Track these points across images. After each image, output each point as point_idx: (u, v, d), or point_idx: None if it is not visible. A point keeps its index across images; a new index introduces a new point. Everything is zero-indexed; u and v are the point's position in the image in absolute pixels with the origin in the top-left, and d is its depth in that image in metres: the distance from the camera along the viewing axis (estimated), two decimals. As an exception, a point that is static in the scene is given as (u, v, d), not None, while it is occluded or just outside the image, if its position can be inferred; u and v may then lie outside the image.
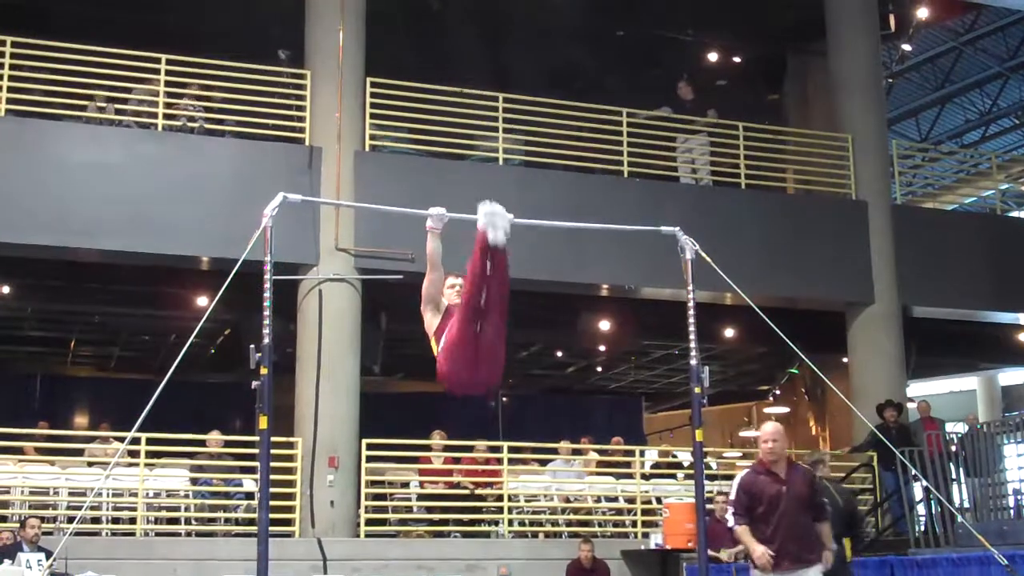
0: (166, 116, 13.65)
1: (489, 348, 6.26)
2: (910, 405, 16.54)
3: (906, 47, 21.98)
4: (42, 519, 11.72)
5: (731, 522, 8.09)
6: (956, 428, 16.61)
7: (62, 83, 13.12)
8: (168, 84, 13.64)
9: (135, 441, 12.31)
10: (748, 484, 8.02)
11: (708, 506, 10.92)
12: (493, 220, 5.99)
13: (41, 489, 12.91)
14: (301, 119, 13.83)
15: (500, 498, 14.13)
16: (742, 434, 25.88)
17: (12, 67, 13.00)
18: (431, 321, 6.60)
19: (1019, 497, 13.25)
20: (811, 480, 8.10)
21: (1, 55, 12.99)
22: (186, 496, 13.36)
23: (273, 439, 6.54)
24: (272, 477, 7.51)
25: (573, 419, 22.84)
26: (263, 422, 6.15)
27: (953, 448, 14.82)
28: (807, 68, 20.13)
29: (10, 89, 13.00)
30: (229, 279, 6.69)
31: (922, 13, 19.65)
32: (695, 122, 15.96)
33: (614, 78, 18.30)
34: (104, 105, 13.68)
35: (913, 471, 13.32)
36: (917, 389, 21.64)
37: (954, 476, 14.55)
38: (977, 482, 14.20)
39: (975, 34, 24.46)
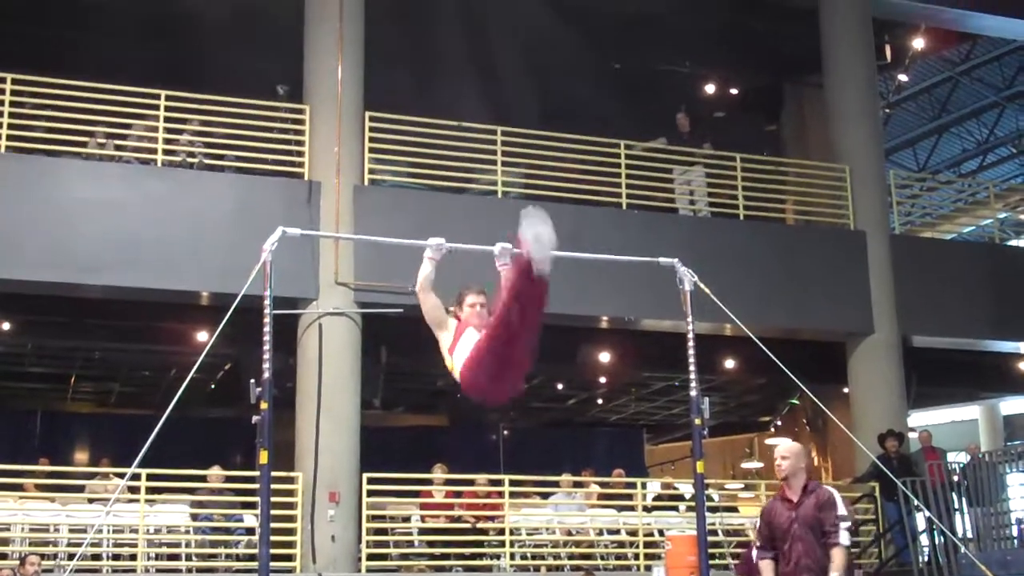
0: (166, 152, 13.69)
1: (517, 362, 5.93)
2: (911, 435, 16.51)
3: (902, 77, 22.10)
4: (42, 556, 11.67)
5: (754, 556, 7.68)
6: (958, 458, 16.59)
7: (62, 119, 13.16)
8: (168, 120, 13.68)
9: (135, 477, 12.27)
10: (767, 512, 7.53)
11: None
12: (540, 241, 5.27)
13: (41, 526, 12.85)
14: (300, 154, 13.86)
15: (502, 532, 14.08)
16: (744, 465, 25.82)
17: (12, 104, 13.05)
18: (443, 339, 6.37)
19: (1022, 526, 13.23)
20: (824, 501, 7.20)
21: (1, 92, 13.05)
22: (187, 532, 13.31)
23: (274, 474, 6.54)
24: (273, 512, 7.50)
25: (574, 452, 22.80)
26: (264, 457, 6.14)
27: (955, 478, 14.82)
28: (804, 99, 20.23)
29: (10, 126, 13.05)
30: (229, 314, 6.70)
31: (918, 44, 19.79)
32: (692, 154, 16.01)
33: (612, 110, 18.36)
34: (104, 141, 13.72)
35: (915, 501, 13.29)
36: (918, 419, 21.62)
37: (957, 506, 14.53)
38: (980, 512, 14.19)
39: (971, 64, 24.59)
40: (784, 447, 7.51)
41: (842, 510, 7.16)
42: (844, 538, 7.07)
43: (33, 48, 16.06)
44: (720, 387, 21.67)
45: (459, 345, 6.21)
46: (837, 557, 7.04)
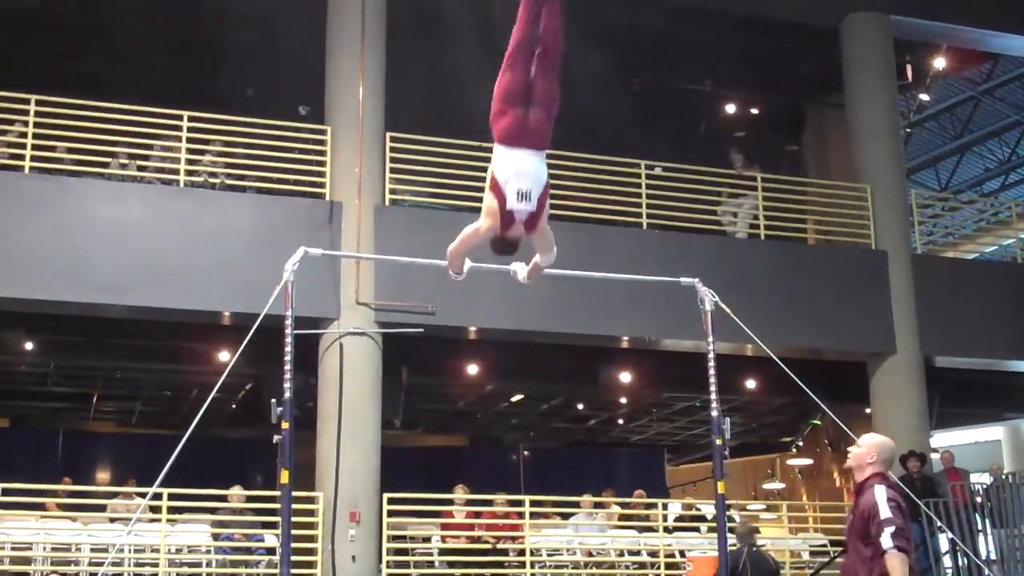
0: (188, 172, 13.76)
1: (543, 90, 6.07)
2: (934, 456, 16.42)
3: (924, 97, 22.07)
4: (64, 575, 11.71)
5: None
6: (981, 479, 16.48)
7: (85, 140, 13.25)
8: (190, 140, 13.76)
9: (157, 496, 12.29)
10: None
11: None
12: None
13: (63, 545, 12.89)
14: (321, 174, 13.90)
15: (522, 552, 14.04)
16: (766, 486, 25.72)
17: (36, 125, 13.14)
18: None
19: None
20: (869, 507, 6.25)
21: (26, 113, 13.14)
22: (208, 552, 13.32)
23: (294, 494, 6.54)
24: (293, 532, 7.50)
25: (595, 472, 22.76)
26: (284, 476, 6.17)
27: (978, 499, 14.72)
28: (825, 119, 20.21)
29: (34, 147, 13.14)
30: (251, 334, 6.73)
31: (939, 63, 19.76)
32: (735, 182, 16.09)
33: (632, 130, 18.39)
34: (127, 162, 13.80)
35: (938, 522, 13.21)
36: (941, 439, 21.49)
37: (980, 527, 14.43)
38: (1003, 533, 14.10)
39: (993, 83, 24.49)
40: (864, 437, 6.66)
41: (885, 513, 6.17)
42: (887, 542, 6.10)
43: (57, 71, 16.20)
44: (742, 407, 21.59)
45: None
46: (892, 567, 6.09)
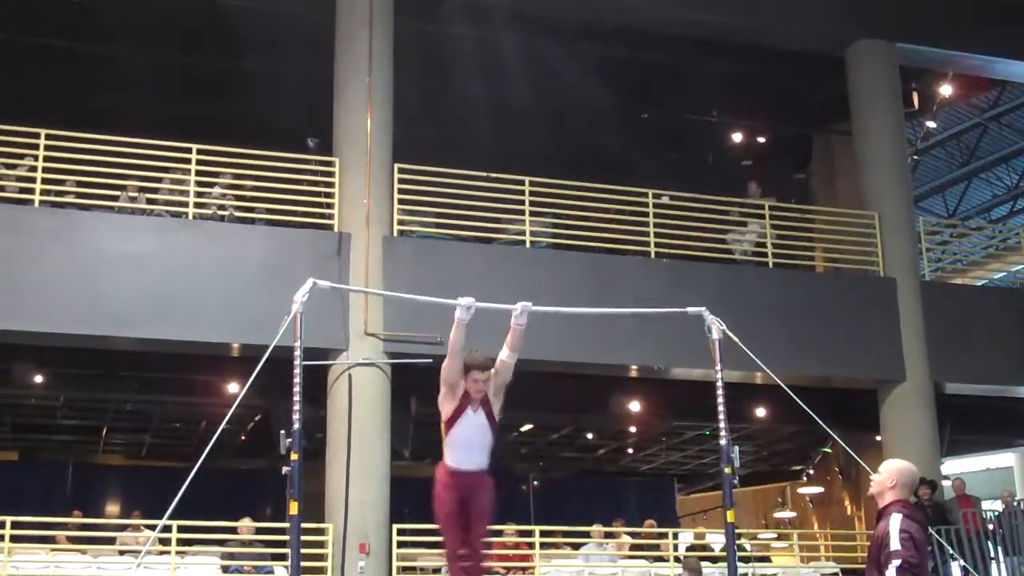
0: (197, 205, 13.81)
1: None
2: (945, 483, 16.36)
3: (931, 124, 22.10)
4: (73, 609, 11.69)
5: None
6: (993, 506, 16.41)
7: (95, 174, 13.30)
8: (199, 173, 13.81)
9: (166, 529, 12.28)
10: None
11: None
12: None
13: (73, 578, 12.88)
14: (330, 206, 13.94)
15: (532, 583, 14.01)
16: (776, 515, 25.62)
17: (46, 159, 13.20)
18: (446, 407, 6.76)
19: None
20: (882, 535, 6.07)
21: (35, 147, 13.21)
22: (217, 584, 13.30)
23: (304, 525, 6.54)
24: (303, 564, 7.49)
25: (605, 502, 22.68)
26: (294, 508, 6.16)
27: (990, 526, 14.66)
28: (833, 147, 20.26)
29: (44, 181, 13.20)
30: (260, 365, 6.74)
31: (945, 90, 19.78)
32: (745, 210, 16.12)
33: (639, 159, 18.42)
34: (136, 195, 13.86)
35: (950, 550, 13.14)
36: (952, 466, 21.44)
37: (992, 555, 14.36)
38: (1016, 560, 14.02)
39: (1000, 110, 24.50)
40: (884, 463, 6.48)
41: (895, 544, 5.95)
42: (891, 575, 5.87)
43: (66, 105, 16.30)
44: (752, 436, 21.54)
45: (455, 427, 6.75)
46: None
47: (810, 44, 17.43)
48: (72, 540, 13.61)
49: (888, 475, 6.31)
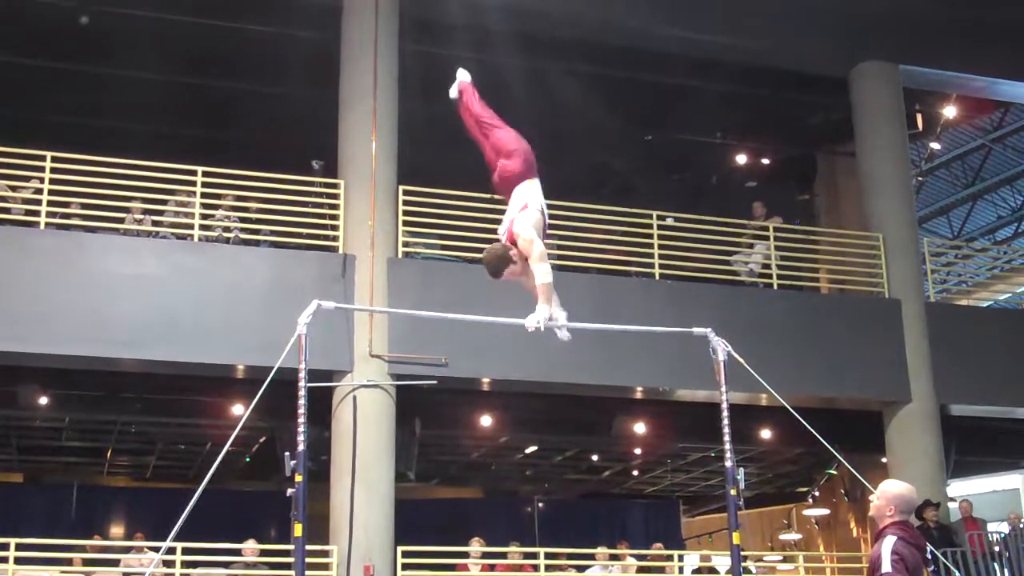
0: (202, 227, 13.83)
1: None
2: (951, 505, 16.31)
3: (935, 145, 22.13)
4: (77, 631, 11.67)
5: None
6: (999, 528, 16.36)
7: (100, 196, 13.34)
8: (204, 195, 13.84)
9: (171, 551, 12.27)
10: None
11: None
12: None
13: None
14: (335, 227, 13.97)
15: (537, 605, 13.97)
16: (782, 537, 25.54)
17: (51, 181, 13.23)
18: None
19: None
20: (875, 559, 6.00)
21: (41, 169, 13.25)
22: (221, 606, 13.26)
23: (308, 547, 6.53)
24: (307, 586, 7.46)
25: (610, 524, 22.64)
26: (298, 530, 6.16)
27: (997, 548, 14.60)
28: (836, 168, 20.27)
29: (49, 203, 13.23)
30: (264, 387, 6.74)
31: (949, 112, 19.82)
32: (751, 231, 16.12)
33: (643, 180, 18.45)
34: (141, 217, 13.89)
35: (956, 573, 13.10)
36: (958, 488, 21.34)
37: (998, 577, 14.30)
38: (1023, 582, 13.96)
39: (1004, 131, 24.54)
40: (881, 485, 6.38)
41: (885, 567, 5.88)
42: None
43: (71, 127, 16.35)
44: (757, 458, 21.49)
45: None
46: None
47: (814, 65, 17.46)
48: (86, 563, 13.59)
49: (886, 502, 6.20)
